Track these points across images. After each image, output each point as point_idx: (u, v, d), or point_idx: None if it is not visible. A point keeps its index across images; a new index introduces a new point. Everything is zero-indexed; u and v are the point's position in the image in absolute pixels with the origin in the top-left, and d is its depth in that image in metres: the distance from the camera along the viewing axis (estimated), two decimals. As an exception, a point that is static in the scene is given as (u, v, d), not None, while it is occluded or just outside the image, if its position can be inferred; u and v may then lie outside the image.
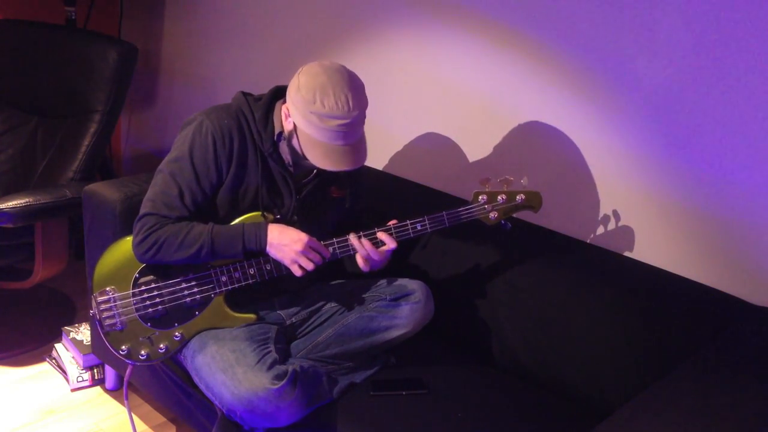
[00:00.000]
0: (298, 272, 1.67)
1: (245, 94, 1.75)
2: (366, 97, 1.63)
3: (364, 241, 1.69)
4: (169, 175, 1.68)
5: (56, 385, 2.39)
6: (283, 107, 1.68)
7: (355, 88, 1.59)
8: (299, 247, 1.64)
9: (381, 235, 1.71)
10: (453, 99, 2.22)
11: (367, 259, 1.71)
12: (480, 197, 1.75)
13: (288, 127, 1.67)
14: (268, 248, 1.67)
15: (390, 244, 1.70)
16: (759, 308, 1.66)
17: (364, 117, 1.63)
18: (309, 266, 1.66)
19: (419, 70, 2.28)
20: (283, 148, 1.72)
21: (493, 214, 1.76)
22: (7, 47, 2.77)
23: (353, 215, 1.94)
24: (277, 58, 2.73)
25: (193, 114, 1.73)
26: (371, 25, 2.38)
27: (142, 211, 1.69)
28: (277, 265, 1.71)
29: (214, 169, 1.68)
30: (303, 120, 1.60)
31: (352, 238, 1.70)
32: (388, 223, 1.73)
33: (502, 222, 1.77)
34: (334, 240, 1.72)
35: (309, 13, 2.57)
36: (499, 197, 1.75)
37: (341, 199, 1.85)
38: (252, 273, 1.72)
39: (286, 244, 1.65)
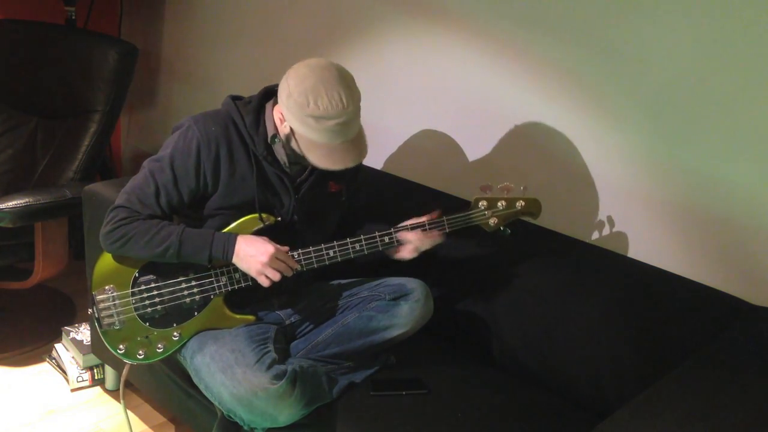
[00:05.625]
0: (265, 283, 1.67)
1: (234, 99, 1.75)
2: (357, 89, 1.63)
3: (418, 232, 1.73)
4: (149, 173, 1.69)
5: (56, 385, 2.39)
6: (277, 111, 1.68)
7: (345, 84, 1.59)
8: (265, 258, 1.64)
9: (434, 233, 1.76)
10: (453, 100, 2.21)
11: (418, 250, 1.75)
12: (480, 203, 1.76)
13: (284, 131, 1.67)
14: (234, 259, 1.67)
15: (440, 238, 1.75)
16: (759, 308, 1.66)
17: (359, 110, 1.62)
18: (276, 277, 1.66)
19: (419, 70, 2.28)
20: (278, 149, 1.72)
21: (493, 220, 1.77)
22: (7, 47, 2.77)
23: (353, 211, 1.93)
24: (276, 59, 2.73)
25: (183, 119, 1.73)
26: (371, 26, 2.38)
27: (117, 202, 1.69)
28: None
29: (194, 175, 1.68)
30: (299, 124, 1.59)
31: (409, 233, 1.73)
32: (434, 216, 1.77)
33: (501, 228, 1.78)
34: (335, 243, 1.72)
35: (308, 13, 2.57)
36: (499, 203, 1.76)
37: (339, 193, 1.85)
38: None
39: (252, 255, 1.65)
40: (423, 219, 1.78)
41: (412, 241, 1.73)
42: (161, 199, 1.68)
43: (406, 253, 1.76)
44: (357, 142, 1.64)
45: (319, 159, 1.62)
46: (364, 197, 1.98)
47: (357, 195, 1.94)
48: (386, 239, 1.75)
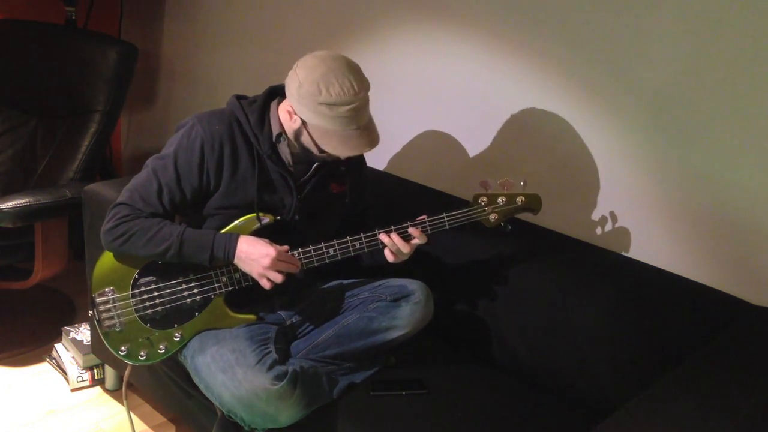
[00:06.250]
0: (267, 285, 1.67)
1: (239, 98, 1.75)
2: (365, 77, 1.64)
3: (393, 236, 1.71)
4: (152, 171, 1.69)
5: (56, 385, 2.39)
6: (285, 107, 1.68)
7: (354, 71, 1.61)
8: (267, 262, 1.64)
9: (412, 231, 1.71)
10: (453, 99, 2.22)
11: (397, 253, 1.72)
12: (480, 199, 1.76)
13: (294, 126, 1.67)
14: (236, 260, 1.67)
15: (420, 239, 1.71)
16: (759, 308, 1.66)
17: (369, 98, 1.64)
18: (278, 279, 1.66)
19: (420, 70, 2.28)
20: (283, 148, 1.72)
21: (493, 216, 1.77)
22: (7, 47, 2.77)
23: (359, 213, 1.93)
24: (276, 58, 2.73)
25: (187, 117, 1.73)
26: (371, 25, 2.38)
27: (119, 199, 1.69)
28: None
29: (197, 173, 1.68)
30: (312, 114, 1.60)
31: (382, 236, 1.71)
32: (418, 218, 1.74)
33: (502, 224, 1.78)
34: (335, 242, 1.72)
35: (309, 13, 2.57)
36: (499, 199, 1.76)
37: (342, 194, 1.85)
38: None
39: (255, 258, 1.65)
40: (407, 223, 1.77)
41: (387, 244, 1.73)
42: (164, 197, 1.68)
43: (387, 255, 1.75)
44: (369, 128, 1.65)
45: (335, 147, 1.63)
46: (371, 199, 1.98)
47: (363, 197, 1.94)
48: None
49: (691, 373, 1.44)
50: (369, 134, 1.64)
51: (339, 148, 1.63)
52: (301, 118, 1.63)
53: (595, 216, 1.97)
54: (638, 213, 1.89)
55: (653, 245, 1.87)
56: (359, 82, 1.60)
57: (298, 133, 1.68)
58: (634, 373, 1.70)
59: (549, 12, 1.95)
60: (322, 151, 1.66)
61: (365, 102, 1.62)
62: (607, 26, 1.85)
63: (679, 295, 1.73)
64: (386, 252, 1.73)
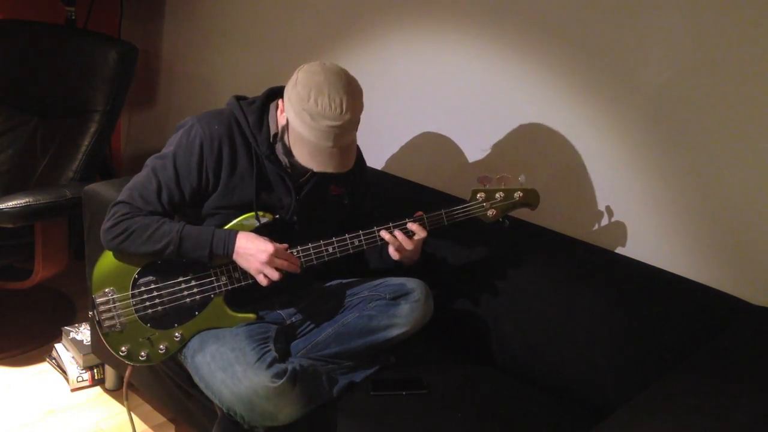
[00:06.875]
0: (263, 281, 1.67)
1: (238, 99, 1.75)
2: (362, 102, 1.63)
3: (396, 232, 1.71)
4: (151, 170, 1.70)
5: (56, 385, 2.39)
6: (280, 101, 1.69)
7: (351, 93, 1.59)
8: (264, 257, 1.64)
9: (411, 226, 1.72)
10: (452, 99, 2.22)
11: (400, 249, 1.73)
12: (478, 195, 1.76)
13: (281, 121, 1.67)
14: (234, 256, 1.67)
15: (420, 233, 1.72)
16: (759, 308, 1.66)
17: (357, 122, 1.62)
18: (274, 276, 1.66)
19: (418, 69, 2.28)
20: (280, 149, 1.72)
21: (491, 212, 1.77)
22: (7, 47, 2.77)
23: (361, 217, 1.93)
24: (276, 59, 2.73)
25: (187, 118, 1.74)
26: (370, 25, 2.38)
27: (118, 198, 1.70)
28: None
29: (196, 172, 1.68)
30: (295, 116, 1.60)
31: (383, 233, 1.71)
32: (415, 215, 1.74)
33: (500, 219, 1.78)
34: (334, 240, 1.72)
35: (308, 13, 2.57)
36: (497, 195, 1.76)
37: (341, 196, 1.85)
38: (252, 273, 1.72)
39: (252, 254, 1.65)
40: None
41: (389, 241, 1.73)
42: (162, 197, 1.68)
43: (392, 253, 1.75)
44: (345, 151, 1.63)
45: (303, 155, 1.62)
46: (371, 201, 1.97)
47: (363, 201, 1.94)
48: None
49: (691, 373, 1.45)
50: (342, 156, 1.62)
51: (306, 159, 1.62)
52: (287, 117, 1.63)
53: (595, 215, 1.97)
54: (638, 212, 1.89)
55: (653, 245, 1.87)
56: (350, 104, 1.57)
57: (283, 131, 1.68)
58: (634, 373, 1.70)
59: (546, 12, 1.95)
60: (293, 155, 1.65)
61: (350, 125, 1.59)
62: (606, 28, 1.85)
63: (679, 295, 1.73)
64: (390, 250, 1.73)
